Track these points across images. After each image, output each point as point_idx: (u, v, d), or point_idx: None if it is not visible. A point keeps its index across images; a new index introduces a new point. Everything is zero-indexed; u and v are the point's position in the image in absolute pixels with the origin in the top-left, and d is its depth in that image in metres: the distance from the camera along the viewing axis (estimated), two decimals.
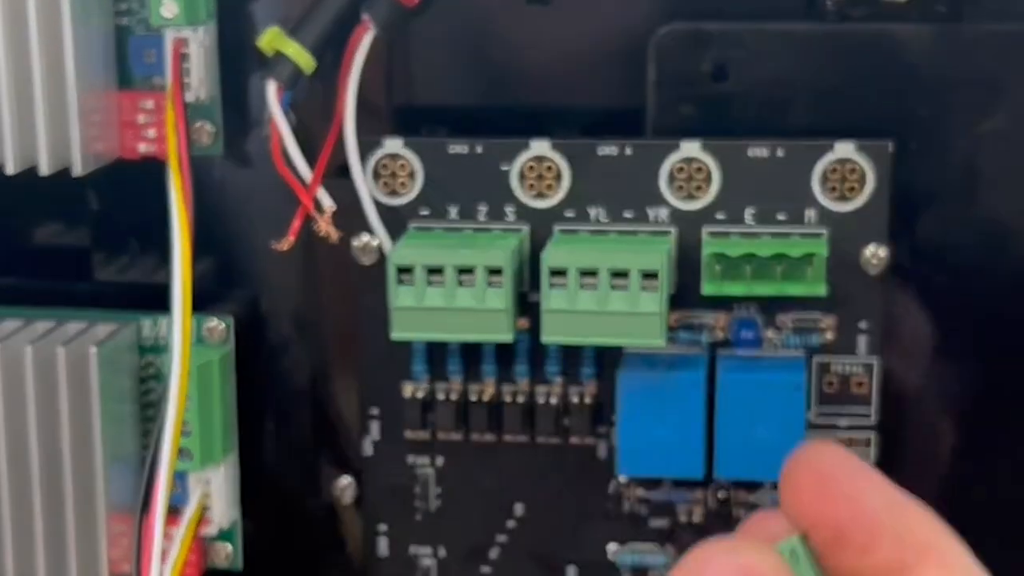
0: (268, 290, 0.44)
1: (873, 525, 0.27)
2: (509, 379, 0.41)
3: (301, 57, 0.39)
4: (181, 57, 0.40)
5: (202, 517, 0.43)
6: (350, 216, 0.40)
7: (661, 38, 0.40)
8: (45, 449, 0.41)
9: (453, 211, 0.40)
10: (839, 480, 0.28)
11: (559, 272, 0.37)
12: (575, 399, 0.41)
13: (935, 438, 0.41)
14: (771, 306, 0.40)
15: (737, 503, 0.41)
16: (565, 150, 0.39)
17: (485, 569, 0.42)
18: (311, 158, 0.40)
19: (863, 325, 0.40)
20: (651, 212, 0.39)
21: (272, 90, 0.39)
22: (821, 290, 0.38)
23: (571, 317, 0.38)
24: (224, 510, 0.43)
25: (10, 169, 0.39)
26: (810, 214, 0.39)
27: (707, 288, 0.39)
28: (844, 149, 0.39)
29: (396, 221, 0.40)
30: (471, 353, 0.41)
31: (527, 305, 0.40)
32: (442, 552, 0.42)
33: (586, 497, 0.42)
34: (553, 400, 0.41)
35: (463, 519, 0.42)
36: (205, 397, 0.42)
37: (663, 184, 0.39)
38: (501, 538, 0.42)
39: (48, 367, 0.41)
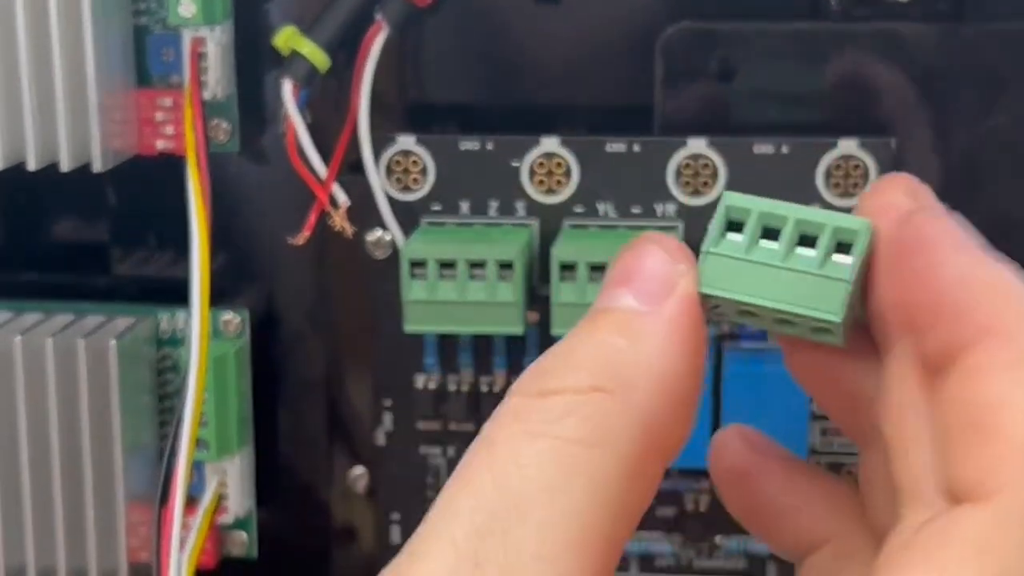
0: (283, 284, 0.44)
1: (937, 303, 0.24)
2: (519, 370, 0.41)
3: (316, 56, 0.40)
4: (198, 56, 0.41)
5: (218, 506, 0.44)
6: (364, 211, 0.41)
7: (669, 37, 0.40)
8: (65, 440, 0.42)
9: (464, 206, 0.41)
10: (913, 253, 0.25)
11: (568, 266, 0.38)
12: None
13: None
14: None
15: None
16: (574, 147, 0.40)
17: None
18: (326, 155, 0.41)
19: None
20: (658, 207, 0.40)
21: (288, 88, 0.40)
22: None
23: (581, 310, 0.38)
24: (240, 499, 0.44)
25: (32, 165, 0.39)
26: None
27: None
28: (848, 146, 0.39)
29: (409, 216, 0.41)
30: (482, 345, 0.42)
31: (537, 299, 0.41)
32: None
33: None
34: None
35: None
36: (221, 389, 0.43)
37: (670, 180, 0.40)
38: None
39: (68, 359, 0.42)
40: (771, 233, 0.26)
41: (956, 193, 0.40)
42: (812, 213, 0.25)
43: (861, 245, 0.25)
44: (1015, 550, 0.22)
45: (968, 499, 0.22)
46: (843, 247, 0.25)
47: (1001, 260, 0.25)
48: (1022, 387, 0.23)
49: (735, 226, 0.26)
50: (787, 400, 0.39)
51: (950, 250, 0.24)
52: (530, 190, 0.41)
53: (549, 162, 0.40)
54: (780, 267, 0.26)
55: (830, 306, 0.25)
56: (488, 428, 0.26)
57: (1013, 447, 0.22)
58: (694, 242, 0.40)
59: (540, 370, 0.26)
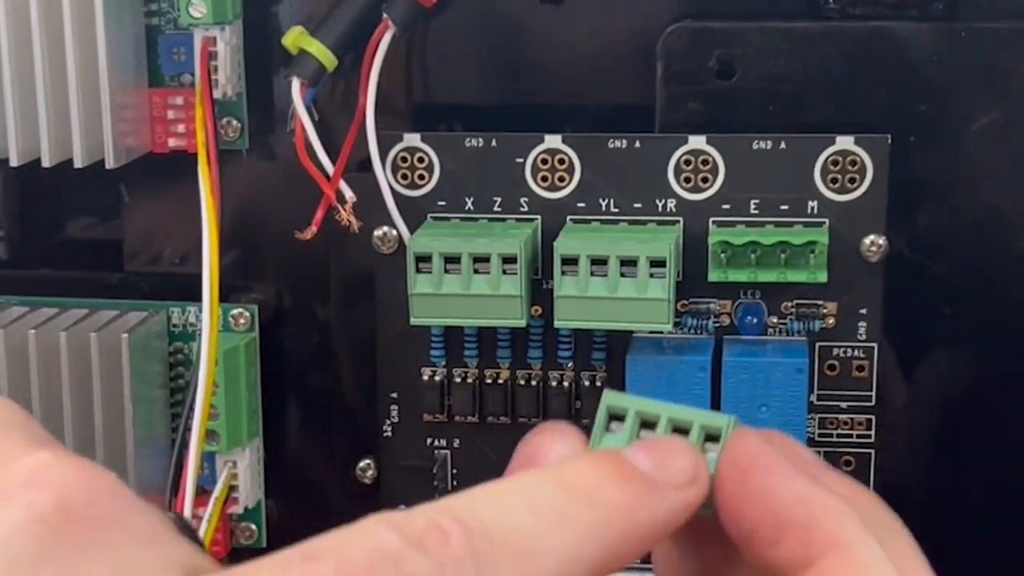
0: (291, 279, 0.45)
1: (781, 519, 0.26)
2: (523, 364, 0.43)
3: (324, 55, 0.41)
4: (209, 55, 0.42)
5: (228, 497, 0.45)
6: (371, 207, 0.42)
7: (669, 36, 0.41)
8: (78, 431, 0.43)
9: (469, 202, 0.42)
10: (754, 475, 0.27)
11: (571, 260, 0.39)
12: (587, 382, 0.43)
13: (932, 422, 0.43)
14: (774, 292, 0.41)
15: None
16: (577, 144, 0.41)
17: None
18: (333, 152, 0.41)
19: (863, 311, 0.41)
20: (659, 203, 0.41)
21: (296, 87, 0.41)
22: (822, 277, 0.40)
23: (582, 303, 0.39)
24: (249, 490, 0.45)
25: (46, 162, 0.40)
26: (812, 204, 0.40)
27: (713, 275, 0.40)
28: (844, 142, 0.40)
29: (415, 212, 0.42)
30: (487, 339, 0.43)
31: (540, 292, 0.42)
32: None
33: None
34: (566, 383, 0.43)
35: None
36: (231, 382, 0.43)
37: (671, 176, 0.41)
38: None
39: (82, 353, 0.43)
40: (649, 425, 0.28)
41: (951, 187, 0.41)
42: (683, 411, 0.28)
43: (725, 438, 0.27)
44: None
45: None
46: (711, 439, 0.28)
47: (824, 477, 0.27)
48: None
49: (617, 419, 0.28)
50: (786, 391, 0.40)
51: (788, 474, 0.27)
52: (533, 186, 0.41)
53: (552, 159, 0.41)
54: None
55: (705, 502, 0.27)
56: None
57: None
58: (693, 236, 0.41)
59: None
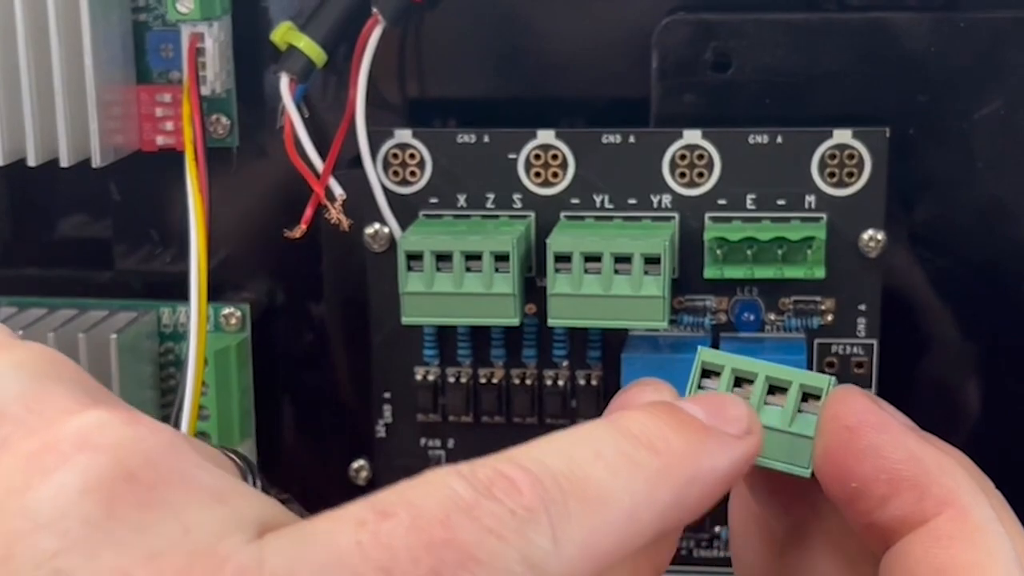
0: (283, 278, 0.45)
1: (893, 477, 0.27)
2: (518, 363, 0.42)
3: (313, 51, 0.40)
4: (197, 51, 0.41)
5: None
6: (362, 205, 0.41)
7: (664, 29, 0.41)
8: None
9: (462, 199, 0.41)
10: (862, 432, 0.27)
11: (564, 257, 0.38)
12: (582, 381, 0.42)
13: (932, 418, 0.42)
14: (772, 289, 0.41)
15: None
16: (570, 139, 0.40)
17: None
18: (324, 149, 0.41)
19: (862, 307, 0.40)
20: (654, 198, 0.40)
21: (285, 83, 0.40)
22: (820, 273, 0.39)
23: (576, 301, 0.39)
24: None
25: (32, 161, 0.40)
26: (809, 199, 0.40)
27: (709, 272, 0.40)
28: (842, 136, 0.40)
29: (406, 209, 0.41)
30: (480, 338, 0.42)
31: (534, 290, 0.41)
32: None
33: None
34: (560, 382, 0.42)
35: None
36: (223, 383, 0.43)
37: (666, 171, 0.40)
38: None
39: (70, 354, 0.41)
40: (744, 383, 0.28)
41: (951, 180, 0.41)
42: (781, 370, 0.28)
43: (825, 397, 0.28)
44: None
45: None
46: (808, 399, 0.28)
47: (930, 439, 0.28)
48: (986, 553, 0.26)
49: (713, 375, 0.28)
50: None
51: (898, 432, 0.27)
52: (527, 182, 0.41)
53: (545, 154, 0.41)
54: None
55: (801, 460, 0.28)
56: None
57: None
58: (688, 232, 0.40)
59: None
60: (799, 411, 0.28)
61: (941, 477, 0.27)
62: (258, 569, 0.20)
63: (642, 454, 0.24)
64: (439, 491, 0.22)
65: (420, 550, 0.21)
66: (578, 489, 0.23)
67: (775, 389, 0.28)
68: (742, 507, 0.31)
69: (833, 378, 0.28)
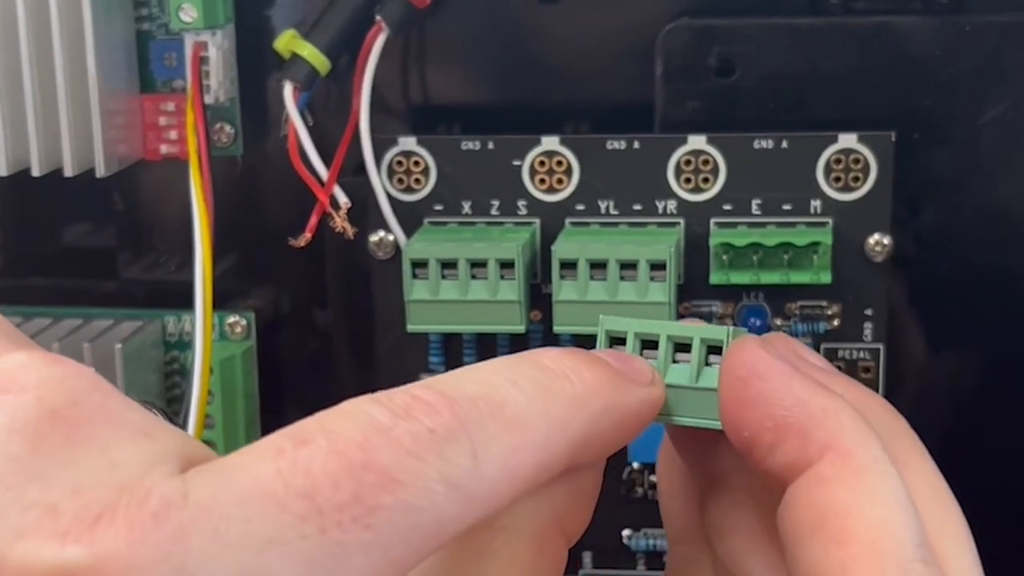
0: (288, 286, 0.45)
1: (778, 424, 0.27)
2: None
3: (316, 59, 0.40)
4: (200, 60, 0.41)
5: None
6: (367, 212, 0.41)
7: (668, 34, 0.41)
8: None
9: (466, 206, 0.41)
10: (751, 382, 0.27)
11: (569, 264, 0.38)
12: None
13: (939, 423, 0.42)
14: (778, 294, 0.40)
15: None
16: (575, 145, 0.40)
17: None
18: (328, 157, 0.41)
19: (869, 312, 0.40)
20: (659, 204, 0.40)
21: (289, 91, 0.40)
22: (826, 278, 0.39)
23: (582, 307, 0.39)
24: None
25: (36, 171, 0.40)
26: (815, 204, 0.40)
27: (715, 277, 0.39)
28: (848, 140, 0.39)
29: (411, 216, 0.41)
30: (486, 344, 0.42)
31: (540, 297, 0.41)
32: None
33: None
34: None
35: None
36: (228, 391, 0.43)
37: (671, 177, 0.40)
38: None
39: None
40: (650, 345, 0.29)
41: (957, 184, 0.41)
42: (681, 328, 0.28)
43: (727, 349, 0.28)
44: None
45: (799, 566, 0.25)
46: (714, 351, 0.28)
47: (828, 380, 0.28)
48: (865, 495, 0.25)
49: (618, 341, 0.29)
50: None
51: (785, 378, 0.27)
52: (531, 189, 0.41)
53: (550, 161, 0.41)
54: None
55: (711, 414, 0.28)
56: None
57: (863, 547, 0.25)
58: (694, 237, 0.40)
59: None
60: (706, 364, 0.28)
61: (825, 421, 0.26)
62: (182, 500, 0.20)
63: (556, 383, 0.25)
64: (357, 417, 0.22)
65: (340, 474, 0.21)
66: (496, 411, 0.23)
67: (681, 347, 0.28)
68: (668, 464, 0.31)
69: (732, 328, 0.28)
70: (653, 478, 0.42)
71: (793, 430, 0.26)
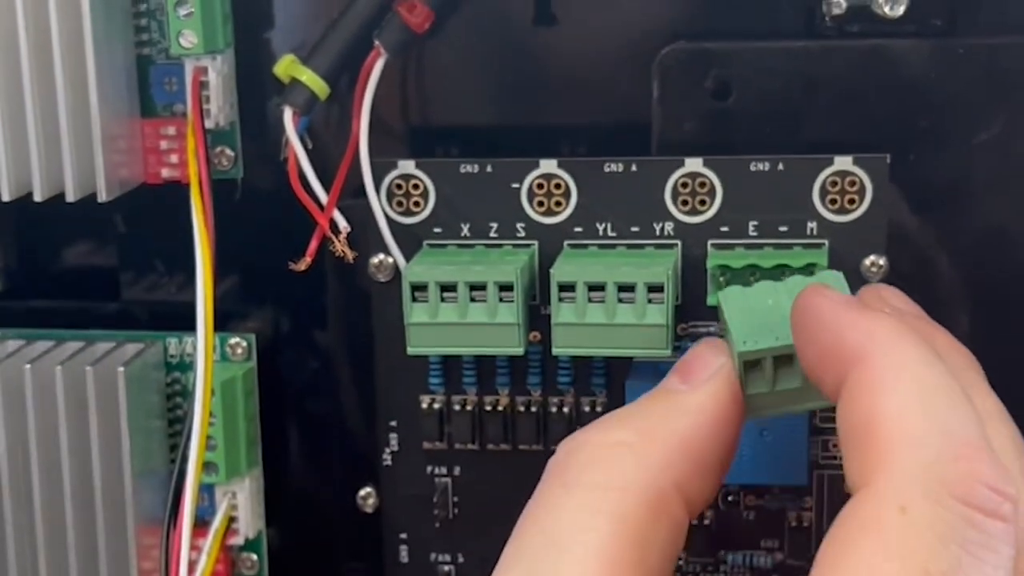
0: (289, 308, 0.45)
1: (820, 352, 0.29)
2: (522, 390, 0.42)
3: (315, 83, 0.41)
4: (200, 85, 0.41)
5: (229, 528, 0.44)
6: (366, 235, 0.41)
7: (664, 57, 0.41)
8: (76, 465, 0.43)
9: (465, 228, 0.41)
10: (808, 318, 0.30)
11: (568, 287, 0.39)
12: (587, 408, 0.42)
13: None
14: None
15: (746, 506, 0.42)
16: (573, 168, 0.41)
17: None
18: (328, 180, 0.41)
19: None
20: (657, 226, 0.41)
21: (288, 116, 0.41)
22: None
23: (580, 330, 0.39)
24: (250, 521, 0.45)
25: (38, 196, 0.40)
26: (811, 226, 0.40)
27: (712, 299, 0.40)
28: (843, 163, 0.40)
29: (411, 239, 0.42)
30: (485, 366, 0.42)
31: (539, 318, 0.41)
32: (460, 559, 0.44)
33: None
34: (565, 409, 0.42)
35: (480, 526, 0.43)
36: (229, 412, 0.43)
37: (668, 199, 0.40)
38: None
39: (78, 387, 0.42)
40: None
41: (951, 207, 0.41)
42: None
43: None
44: (890, 521, 0.26)
45: (856, 490, 0.27)
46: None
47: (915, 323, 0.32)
48: (889, 399, 0.27)
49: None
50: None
51: (826, 311, 0.30)
52: (530, 211, 0.41)
53: (548, 183, 0.41)
54: None
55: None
56: (538, 485, 0.31)
57: (885, 446, 0.27)
58: (691, 259, 0.40)
59: (590, 426, 0.32)
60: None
61: (852, 337, 0.29)
62: None
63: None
64: None
65: None
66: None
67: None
68: None
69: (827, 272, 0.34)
70: None
71: (830, 352, 0.29)
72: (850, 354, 0.28)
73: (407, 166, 0.41)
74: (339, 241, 0.41)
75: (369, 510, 0.45)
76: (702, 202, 0.40)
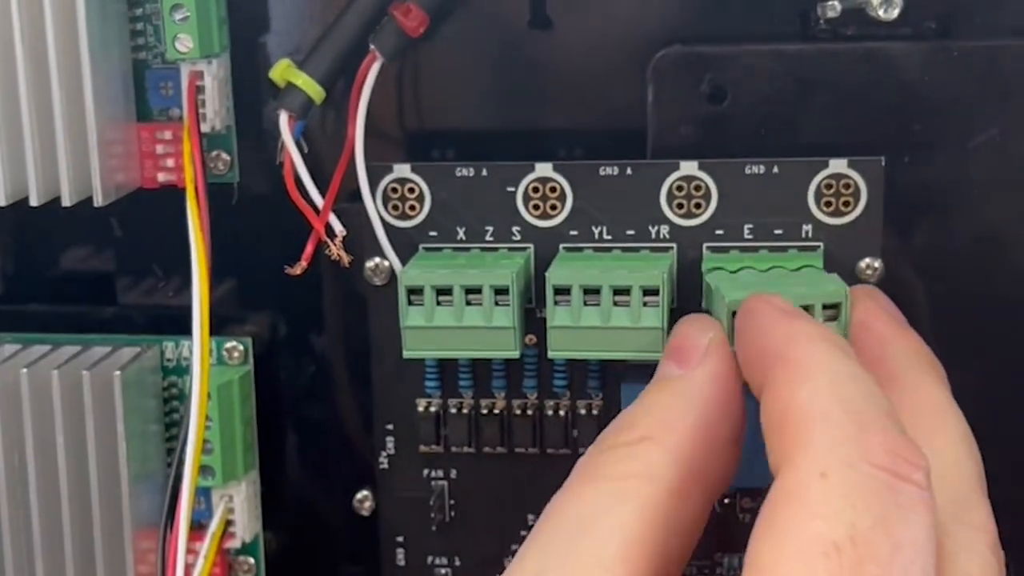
0: (285, 312, 0.45)
1: (752, 346, 0.32)
2: (518, 393, 0.42)
3: (311, 88, 0.41)
4: (196, 89, 0.41)
5: (225, 531, 0.44)
6: (362, 239, 0.41)
7: (660, 61, 0.41)
8: (73, 469, 0.43)
9: (461, 232, 0.41)
10: (745, 321, 0.32)
11: (563, 290, 0.39)
12: (582, 411, 0.42)
13: None
14: None
15: (742, 509, 0.42)
16: (568, 171, 0.41)
17: None
18: (323, 183, 0.41)
19: None
20: (652, 229, 0.41)
21: (284, 120, 0.41)
22: None
23: (576, 333, 0.39)
24: (247, 524, 0.45)
25: (34, 201, 0.40)
26: (806, 228, 0.40)
27: (707, 302, 0.40)
28: (838, 165, 0.40)
29: (406, 243, 0.42)
30: (481, 369, 0.42)
31: (534, 321, 0.41)
32: (457, 561, 0.44)
33: None
34: (561, 412, 0.42)
35: (477, 529, 0.43)
36: (226, 416, 0.43)
37: (663, 202, 0.41)
38: (514, 547, 0.43)
39: (74, 391, 0.42)
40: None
41: (946, 210, 0.41)
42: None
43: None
44: (812, 485, 0.27)
45: (777, 472, 0.28)
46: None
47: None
48: (803, 388, 0.29)
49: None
50: None
51: (759, 315, 0.32)
52: (525, 215, 0.41)
53: (544, 187, 0.41)
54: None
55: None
56: (566, 481, 0.31)
57: (801, 427, 0.28)
58: (686, 262, 0.40)
59: (606, 431, 0.32)
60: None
61: (776, 338, 0.31)
62: None
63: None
64: None
65: None
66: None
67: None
68: None
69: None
70: None
71: (756, 354, 0.31)
72: (772, 354, 0.30)
73: (403, 170, 0.41)
74: (335, 245, 0.41)
75: (366, 513, 0.45)
76: (697, 205, 0.40)
